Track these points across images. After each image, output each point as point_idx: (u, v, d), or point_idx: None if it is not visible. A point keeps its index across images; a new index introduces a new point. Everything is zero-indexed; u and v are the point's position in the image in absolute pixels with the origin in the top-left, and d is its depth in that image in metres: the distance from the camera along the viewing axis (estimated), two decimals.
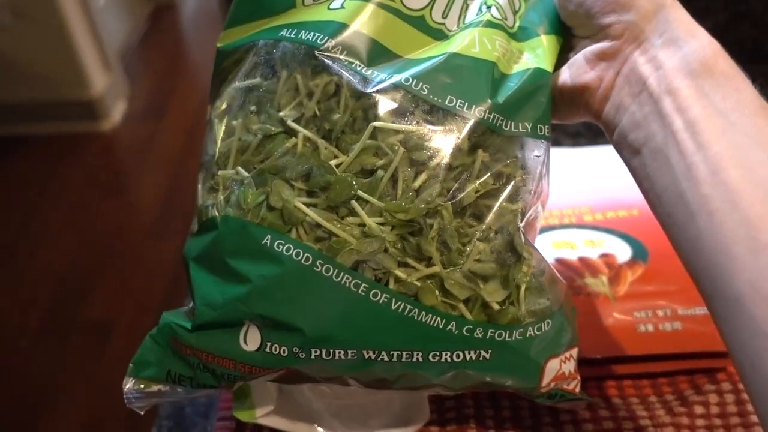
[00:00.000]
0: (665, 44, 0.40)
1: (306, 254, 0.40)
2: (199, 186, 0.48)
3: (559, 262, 0.65)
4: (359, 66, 0.43)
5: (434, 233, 0.41)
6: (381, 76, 0.43)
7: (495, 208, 0.43)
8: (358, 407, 0.55)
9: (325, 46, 0.43)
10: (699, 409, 0.56)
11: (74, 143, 2.31)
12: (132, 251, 1.95)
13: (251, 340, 0.42)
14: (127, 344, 1.66)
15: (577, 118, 0.46)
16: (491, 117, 0.42)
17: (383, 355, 0.42)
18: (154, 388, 0.46)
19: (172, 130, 2.36)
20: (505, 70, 0.44)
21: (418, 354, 0.42)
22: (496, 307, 0.43)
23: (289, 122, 0.44)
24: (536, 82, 0.44)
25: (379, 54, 0.43)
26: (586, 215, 0.70)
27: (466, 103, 0.42)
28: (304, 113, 0.44)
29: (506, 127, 0.43)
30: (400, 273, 0.41)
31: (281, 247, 0.41)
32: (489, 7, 0.46)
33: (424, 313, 0.41)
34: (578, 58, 0.44)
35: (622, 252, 0.66)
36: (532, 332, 0.44)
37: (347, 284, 0.40)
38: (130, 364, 0.46)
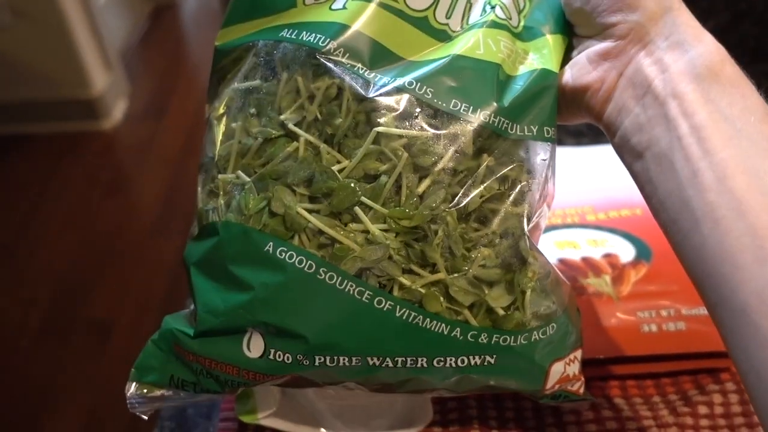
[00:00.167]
0: (671, 47, 0.40)
1: (309, 261, 0.40)
2: (199, 188, 0.48)
3: (562, 262, 0.65)
4: (361, 69, 0.42)
5: (439, 240, 0.41)
6: (384, 80, 0.42)
7: (500, 212, 0.42)
8: (360, 408, 0.55)
9: (327, 48, 0.43)
10: (703, 409, 0.56)
11: (74, 142, 2.31)
12: (132, 251, 1.95)
13: (254, 347, 0.42)
14: (127, 344, 1.66)
15: (577, 119, 0.46)
16: (496, 120, 0.42)
17: (388, 362, 0.42)
18: (157, 392, 0.46)
19: (173, 129, 2.36)
20: (510, 71, 0.43)
21: (422, 360, 0.42)
22: (501, 312, 0.43)
23: (290, 126, 0.43)
24: (542, 83, 0.43)
25: (381, 56, 0.43)
26: (589, 215, 0.69)
27: (471, 107, 0.42)
28: (306, 117, 0.43)
29: (512, 130, 0.42)
30: (404, 280, 0.41)
31: (284, 254, 0.40)
32: (493, 7, 0.45)
33: (428, 319, 0.41)
34: (581, 58, 0.44)
35: (626, 252, 0.65)
36: (536, 336, 0.43)
37: (351, 292, 0.40)
38: (132, 369, 0.46)
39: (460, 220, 0.42)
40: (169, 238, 1.96)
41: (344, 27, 0.43)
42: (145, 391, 0.46)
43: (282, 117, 0.44)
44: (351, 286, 0.40)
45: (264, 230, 0.41)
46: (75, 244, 1.97)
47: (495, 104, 0.42)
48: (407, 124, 0.42)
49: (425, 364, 0.42)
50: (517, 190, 0.43)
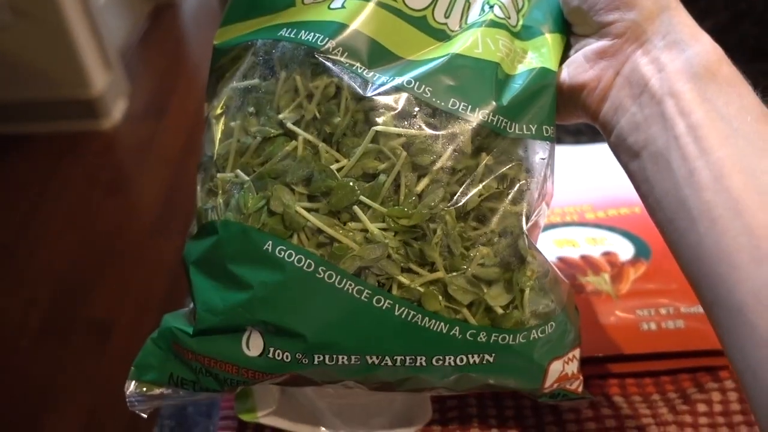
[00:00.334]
0: (668, 46, 0.40)
1: (308, 260, 0.40)
2: (198, 187, 0.48)
3: (561, 260, 0.65)
4: (360, 68, 0.42)
5: (437, 239, 0.41)
6: (382, 79, 0.42)
7: (499, 211, 0.43)
8: (360, 407, 0.55)
9: (326, 47, 0.43)
10: (702, 407, 0.56)
11: (74, 142, 2.30)
12: (132, 251, 1.95)
13: (254, 345, 0.42)
14: (127, 344, 1.66)
15: (573, 118, 0.46)
16: (495, 119, 0.42)
17: (387, 360, 0.42)
18: (156, 391, 0.46)
19: (173, 129, 2.36)
20: (509, 70, 0.43)
21: (421, 359, 0.42)
22: (500, 311, 0.43)
23: (289, 125, 0.43)
24: (541, 81, 0.43)
25: (380, 55, 0.43)
26: (588, 213, 0.69)
27: (470, 106, 0.42)
28: (304, 115, 0.43)
29: (511, 129, 0.42)
30: (403, 279, 0.41)
31: (283, 253, 0.40)
32: (492, 7, 0.45)
33: (427, 318, 0.41)
34: (577, 57, 0.44)
35: (625, 250, 0.65)
36: (535, 335, 0.43)
37: (350, 290, 0.40)
38: (132, 368, 0.46)
39: (458, 219, 0.42)
40: (169, 238, 1.96)
41: (343, 26, 0.43)
42: (144, 389, 0.46)
43: (281, 116, 0.44)
44: (350, 284, 0.40)
45: (263, 229, 0.42)
46: (75, 244, 1.97)
47: (494, 103, 0.42)
48: (406, 123, 0.42)
49: (424, 363, 0.42)
50: (515, 188, 0.43)
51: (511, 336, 0.43)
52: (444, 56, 0.43)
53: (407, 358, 0.42)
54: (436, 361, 0.42)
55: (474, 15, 0.46)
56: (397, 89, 0.42)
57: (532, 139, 0.43)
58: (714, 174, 0.36)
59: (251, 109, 0.45)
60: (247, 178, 0.44)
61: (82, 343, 1.72)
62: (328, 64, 0.43)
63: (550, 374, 0.46)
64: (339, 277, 0.40)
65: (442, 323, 0.41)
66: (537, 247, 0.45)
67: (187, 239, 0.47)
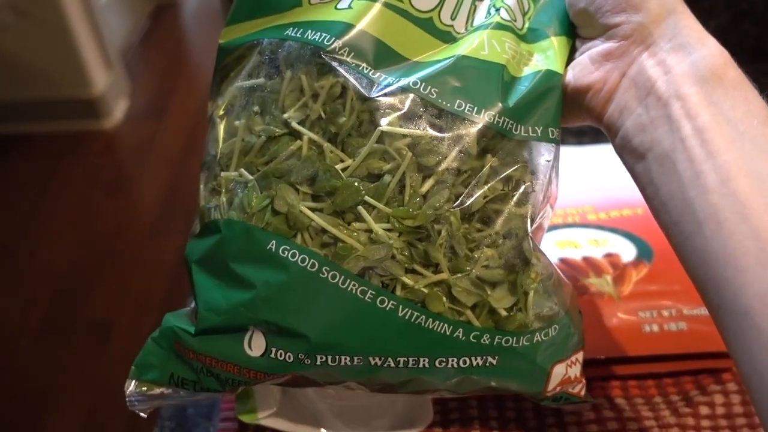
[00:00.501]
0: (674, 49, 0.40)
1: (312, 260, 0.40)
2: (201, 186, 0.48)
3: (563, 261, 0.65)
4: (366, 68, 0.42)
5: (442, 240, 0.41)
6: (388, 79, 0.42)
7: (504, 213, 0.42)
8: (361, 408, 0.55)
9: (332, 47, 0.42)
10: (704, 410, 0.56)
11: (75, 142, 2.30)
12: (132, 251, 1.94)
13: (256, 345, 0.42)
14: (128, 344, 1.66)
15: (578, 120, 0.46)
16: (501, 121, 0.42)
17: (389, 362, 0.42)
18: (157, 390, 0.46)
19: (174, 128, 2.35)
20: (515, 72, 0.43)
21: (424, 360, 0.42)
22: (504, 313, 0.43)
23: (294, 124, 0.43)
24: (547, 84, 0.43)
25: (386, 56, 0.43)
26: (590, 214, 0.69)
27: (476, 107, 0.42)
28: (309, 115, 0.43)
29: (516, 131, 0.42)
30: (407, 280, 0.41)
31: (286, 252, 0.40)
32: (498, 10, 0.45)
33: (431, 319, 0.41)
34: (583, 59, 0.44)
35: (627, 251, 0.65)
36: (539, 338, 0.43)
37: (354, 291, 0.40)
38: (132, 367, 0.46)
39: (463, 221, 0.42)
40: (170, 238, 1.96)
41: (349, 26, 0.43)
42: (144, 389, 0.45)
43: (285, 115, 0.44)
44: (353, 285, 0.40)
45: (267, 228, 0.41)
46: (75, 244, 1.97)
47: (500, 105, 0.42)
48: (411, 123, 0.42)
49: (427, 365, 0.42)
50: (520, 190, 0.43)
51: (515, 338, 0.43)
52: (450, 58, 0.43)
53: (410, 359, 0.42)
54: (439, 363, 0.42)
55: (480, 17, 0.46)
56: (403, 90, 0.42)
57: (537, 141, 0.43)
58: (720, 177, 0.36)
59: (256, 108, 0.45)
60: (251, 177, 0.43)
61: (82, 343, 1.72)
62: (334, 64, 0.42)
63: (553, 377, 0.46)
64: (343, 277, 0.40)
65: (446, 325, 0.41)
66: (541, 249, 0.45)
67: (189, 238, 0.47)
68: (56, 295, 1.84)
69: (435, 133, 0.41)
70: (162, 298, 1.78)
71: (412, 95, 0.42)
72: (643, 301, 0.61)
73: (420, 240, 0.41)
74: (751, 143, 0.37)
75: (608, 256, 0.65)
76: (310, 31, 0.43)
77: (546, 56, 0.44)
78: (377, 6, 0.43)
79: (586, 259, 0.65)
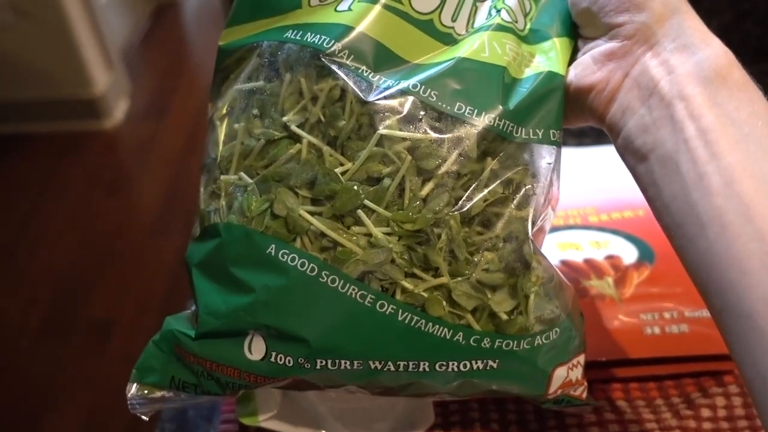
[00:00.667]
0: (678, 49, 0.39)
1: (311, 264, 0.40)
2: (201, 189, 0.48)
3: (564, 263, 0.65)
4: (366, 71, 0.42)
5: (442, 243, 0.41)
6: (388, 82, 0.42)
7: (504, 216, 0.42)
8: (362, 411, 0.55)
9: (332, 49, 0.42)
10: (706, 412, 0.56)
11: (75, 142, 2.30)
12: (132, 251, 1.94)
13: (256, 349, 0.42)
14: (128, 344, 1.66)
15: (580, 121, 0.46)
16: (501, 123, 0.42)
17: (389, 366, 0.41)
18: (158, 394, 0.46)
19: (174, 129, 2.35)
20: (516, 74, 0.43)
21: (424, 364, 0.42)
22: (504, 317, 0.42)
23: (293, 127, 0.43)
24: (549, 85, 0.43)
25: (386, 58, 0.43)
26: (591, 216, 0.69)
27: (476, 110, 0.41)
28: (309, 118, 0.43)
29: (517, 133, 0.42)
30: (407, 284, 0.41)
31: (286, 256, 0.40)
32: (499, 11, 0.45)
33: (431, 324, 0.41)
34: (585, 59, 0.43)
35: (628, 253, 0.65)
36: (540, 341, 0.43)
37: (353, 295, 0.40)
38: (133, 370, 0.46)
39: (463, 224, 0.42)
40: (170, 238, 1.96)
41: (349, 29, 0.43)
42: (145, 392, 0.46)
43: (285, 118, 0.44)
44: (353, 289, 0.40)
45: (266, 232, 0.41)
46: (75, 244, 1.97)
47: (500, 107, 0.42)
48: (411, 126, 0.41)
49: (427, 369, 0.42)
50: (521, 193, 0.43)
51: (515, 342, 0.42)
52: (450, 60, 0.43)
53: (410, 363, 0.41)
54: (440, 367, 0.42)
55: (481, 19, 0.45)
56: (403, 93, 0.42)
57: (538, 144, 0.43)
58: (724, 179, 0.36)
59: (255, 111, 0.45)
60: (250, 180, 0.43)
61: (82, 343, 1.72)
62: (334, 66, 0.42)
63: (554, 380, 0.45)
64: (342, 281, 0.40)
65: (446, 329, 0.41)
66: (542, 252, 0.44)
67: (189, 241, 0.47)
68: (56, 295, 1.84)
69: (435, 136, 0.41)
70: (162, 298, 1.78)
71: (411, 98, 0.41)
72: (645, 304, 0.61)
73: (420, 244, 0.41)
74: (756, 144, 0.36)
75: (609, 258, 0.65)
76: (309, 33, 0.43)
77: (548, 57, 0.44)
78: (377, 8, 0.43)
79: (587, 261, 0.65)
